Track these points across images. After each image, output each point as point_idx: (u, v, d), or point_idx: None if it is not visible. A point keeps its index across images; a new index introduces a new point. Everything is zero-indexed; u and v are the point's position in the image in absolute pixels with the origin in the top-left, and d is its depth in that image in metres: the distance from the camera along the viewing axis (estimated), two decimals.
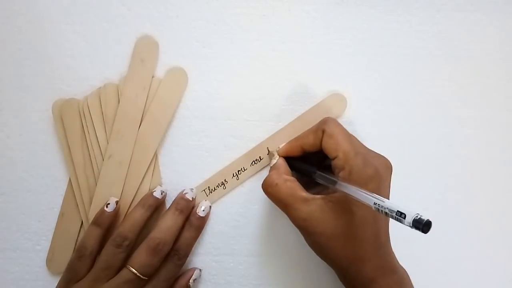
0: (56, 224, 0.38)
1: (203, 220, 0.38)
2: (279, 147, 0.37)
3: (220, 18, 0.40)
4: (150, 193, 0.37)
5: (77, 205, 0.38)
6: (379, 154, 0.35)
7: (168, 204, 0.38)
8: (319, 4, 0.40)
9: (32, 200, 0.39)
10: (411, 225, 0.26)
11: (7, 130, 0.39)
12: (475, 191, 0.41)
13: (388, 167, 0.34)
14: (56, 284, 0.36)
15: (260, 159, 0.39)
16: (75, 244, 0.38)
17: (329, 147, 0.33)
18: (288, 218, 0.34)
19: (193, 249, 0.38)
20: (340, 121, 0.40)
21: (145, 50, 0.38)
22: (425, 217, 0.25)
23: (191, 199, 0.37)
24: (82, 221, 0.38)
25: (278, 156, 0.37)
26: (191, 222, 0.38)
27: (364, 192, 0.29)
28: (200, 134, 0.39)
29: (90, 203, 0.38)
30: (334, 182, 0.32)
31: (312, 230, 0.33)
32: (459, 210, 0.41)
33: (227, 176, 0.39)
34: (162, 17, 0.39)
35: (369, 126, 0.40)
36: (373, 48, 0.41)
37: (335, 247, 0.32)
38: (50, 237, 0.38)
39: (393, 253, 0.34)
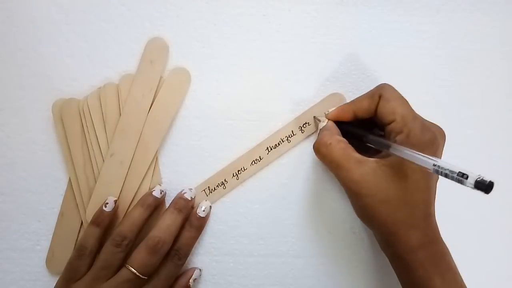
0: (56, 224, 0.38)
1: (203, 220, 0.38)
2: (328, 111, 0.36)
3: (220, 18, 0.40)
4: (149, 193, 0.37)
5: (77, 205, 0.38)
6: (434, 123, 0.35)
7: (168, 204, 0.38)
8: (319, 4, 0.40)
9: (32, 200, 0.39)
10: (473, 186, 0.25)
11: (7, 130, 0.39)
12: (475, 191, 0.41)
13: (443, 136, 0.34)
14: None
15: (260, 159, 0.39)
16: (75, 244, 0.38)
17: (386, 111, 0.33)
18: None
19: (193, 249, 0.38)
20: None
21: (155, 52, 0.39)
22: (487, 178, 0.25)
23: (189, 199, 0.37)
24: (82, 221, 0.38)
25: (326, 120, 0.36)
26: (191, 222, 0.37)
27: (421, 155, 0.29)
28: (200, 134, 0.39)
29: None
30: (388, 146, 0.31)
31: (364, 192, 0.32)
32: (458, 210, 0.41)
33: (227, 176, 0.39)
34: (162, 17, 0.39)
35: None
36: (373, 48, 0.41)
37: (385, 211, 0.32)
38: (50, 237, 0.38)
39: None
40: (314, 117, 0.39)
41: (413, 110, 0.33)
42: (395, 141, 0.32)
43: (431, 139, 0.32)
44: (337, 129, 0.36)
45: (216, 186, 0.39)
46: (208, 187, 0.39)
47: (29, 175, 0.39)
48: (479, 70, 0.42)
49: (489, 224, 0.41)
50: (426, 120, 0.34)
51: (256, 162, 0.39)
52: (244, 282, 0.40)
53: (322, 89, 0.40)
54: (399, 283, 0.35)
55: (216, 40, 0.40)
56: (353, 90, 0.40)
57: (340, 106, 0.36)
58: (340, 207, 0.40)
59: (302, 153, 0.40)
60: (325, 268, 0.40)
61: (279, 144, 0.39)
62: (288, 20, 0.40)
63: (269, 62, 0.40)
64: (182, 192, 0.38)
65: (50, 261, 0.38)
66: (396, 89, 0.34)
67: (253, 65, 0.40)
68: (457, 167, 0.26)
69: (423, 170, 0.29)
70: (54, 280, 0.38)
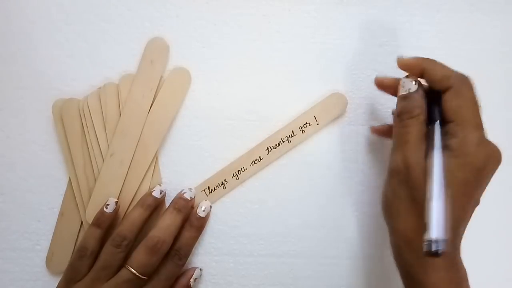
0: (56, 224, 0.38)
1: (203, 220, 0.38)
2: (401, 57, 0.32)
3: (220, 18, 0.40)
4: (149, 193, 0.37)
5: (77, 205, 0.38)
6: (494, 144, 0.30)
7: (168, 204, 0.38)
8: (319, 4, 0.40)
9: (32, 200, 0.39)
10: None
11: (7, 130, 0.39)
12: None
13: (497, 161, 0.30)
14: (56, 284, 0.36)
15: (260, 159, 0.39)
16: (75, 244, 0.38)
17: (452, 105, 0.29)
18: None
19: (193, 249, 0.38)
20: (340, 121, 0.40)
21: (155, 52, 0.39)
22: None
23: (189, 199, 0.37)
24: (81, 221, 0.38)
25: (417, 85, 0.31)
26: (191, 222, 0.37)
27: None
28: (200, 134, 0.39)
29: None
30: (432, 147, 0.28)
31: (419, 183, 0.28)
32: None
33: (227, 176, 0.39)
34: (162, 17, 0.39)
35: (369, 126, 0.40)
36: (373, 48, 0.41)
37: (419, 211, 0.28)
38: (50, 237, 0.38)
39: None
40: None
41: (480, 118, 0.30)
42: (448, 145, 0.29)
43: (484, 160, 0.29)
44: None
45: (216, 186, 0.39)
46: (208, 187, 0.39)
47: (29, 175, 0.39)
48: (479, 70, 0.41)
49: (488, 225, 0.41)
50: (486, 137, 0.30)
51: (256, 162, 0.39)
52: (244, 282, 0.40)
53: (322, 89, 0.40)
54: (399, 283, 0.35)
55: (216, 40, 0.40)
56: (353, 90, 0.40)
57: (414, 57, 0.32)
58: (340, 207, 0.40)
59: (303, 153, 0.40)
60: (325, 268, 0.40)
61: (279, 144, 0.39)
62: (288, 20, 0.40)
63: (269, 62, 0.40)
64: (182, 192, 0.38)
65: (50, 261, 0.38)
66: (474, 90, 0.30)
67: (253, 65, 0.40)
68: None
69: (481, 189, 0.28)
70: (54, 280, 0.38)
